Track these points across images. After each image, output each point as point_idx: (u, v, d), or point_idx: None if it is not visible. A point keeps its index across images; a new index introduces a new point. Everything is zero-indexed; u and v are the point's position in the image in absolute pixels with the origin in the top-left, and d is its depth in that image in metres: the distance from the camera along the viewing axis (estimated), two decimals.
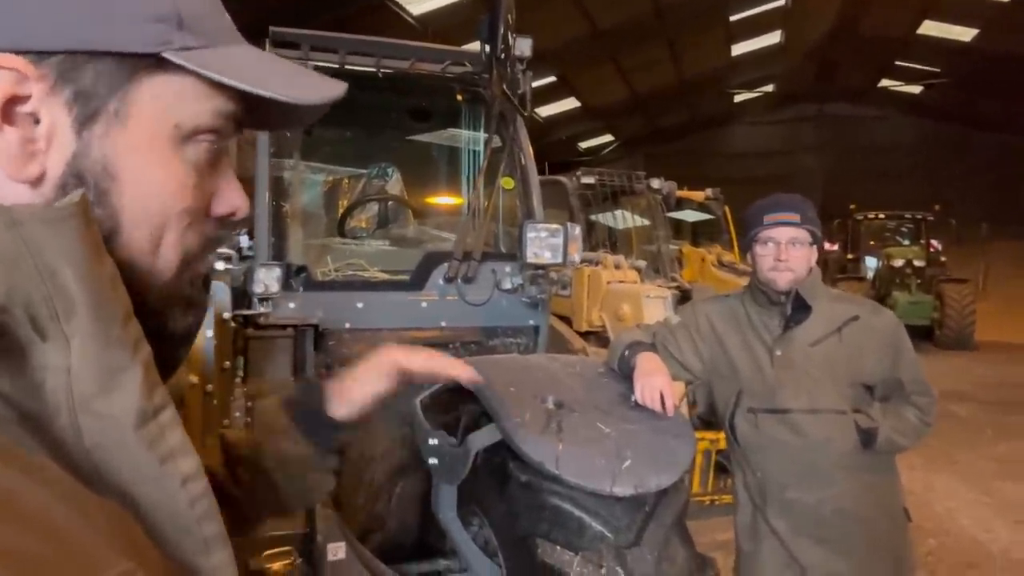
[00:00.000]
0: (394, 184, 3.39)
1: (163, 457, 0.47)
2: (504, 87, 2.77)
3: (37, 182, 0.49)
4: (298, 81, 0.58)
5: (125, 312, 0.47)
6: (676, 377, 2.18)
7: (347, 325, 2.56)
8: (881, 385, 2.11)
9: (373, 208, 3.31)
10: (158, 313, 0.55)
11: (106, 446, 0.45)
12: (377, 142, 3.69)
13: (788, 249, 2.05)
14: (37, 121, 0.48)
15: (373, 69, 2.79)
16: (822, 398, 2.05)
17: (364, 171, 3.44)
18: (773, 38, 18.58)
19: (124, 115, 0.50)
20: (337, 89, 0.58)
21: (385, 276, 2.70)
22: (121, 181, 0.51)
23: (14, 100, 0.47)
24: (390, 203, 3.33)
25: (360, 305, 2.57)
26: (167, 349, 0.57)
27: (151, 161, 0.52)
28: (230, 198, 0.59)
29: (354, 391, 0.93)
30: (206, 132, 0.54)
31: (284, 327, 2.47)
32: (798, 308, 2.08)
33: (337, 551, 2.08)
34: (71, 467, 0.44)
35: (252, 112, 0.57)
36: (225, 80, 0.52)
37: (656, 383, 1.96)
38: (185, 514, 0.48)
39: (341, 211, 3.28)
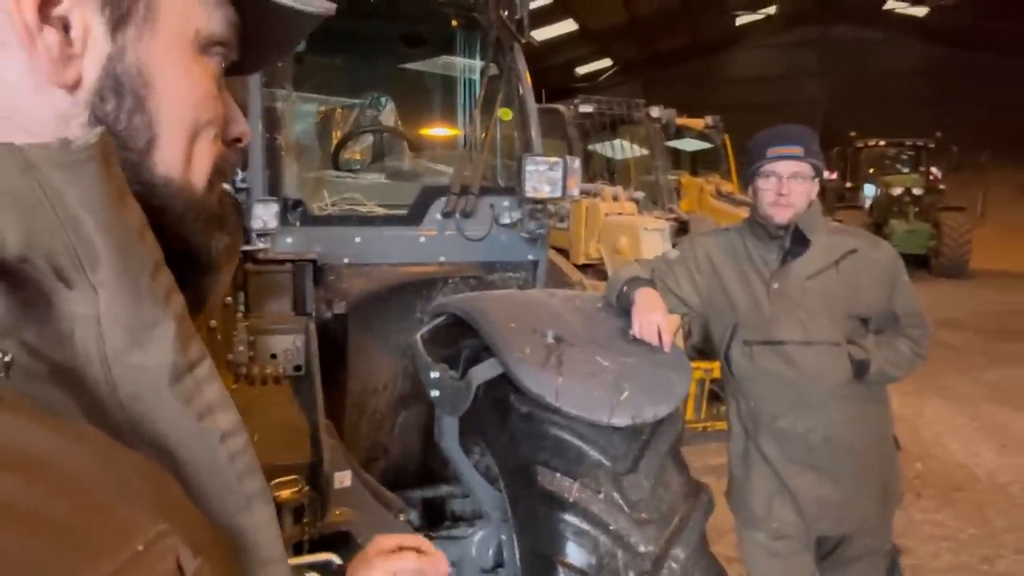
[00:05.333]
0: (388, 114, 3.32)
1: (201, 412, 0.46)
2: (500, 12, 2.69)
3: (74, 87, 0.47)
4: None
5: (155, 263, 0.45)
6: (673, 310, 2.20)
7: (345, 260, 2.55)
8: (876, 318, 2.14)
9: (368, 140, 3.25)
10: (198, 232, 0.54)
11: (142, 399, 0.43)
12: (370, 71, 3.60)
13: (789, 183, 2.04)
14: (68, 26, 0.47)
15: None
16: (816, 330, 2.08)
17: (357, 101, 3.36)
18: None
19: (152, 18, 0.50)
20: (330, 5, 0.58)
21: (382, 211, 2.68)
22: (155, 87, 0.50)
23: (48, 1, 0.45)
24: (385, 135, 3.27)
25: (358, 240, 2.56)
26: (206, 274, 0.57)
27: (180, 67, 0.51)
28: (239, 123, 0.59)
29: None
30: (218, 44, 0.54)
31: (282, 262, 2.46)
32: (797, 242, 2.09)
33: (343, 479, 2.14)
34: (106, 421, 0.42)
35: (246, 33, 0.57)
36: None
37: (654, 319, 1.99)
38: (226, 470, 0.47)
39: (335, 143, 3.22)
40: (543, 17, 16.77)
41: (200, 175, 0.54)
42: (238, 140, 0.59)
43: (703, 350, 4.35)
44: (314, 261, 2.48)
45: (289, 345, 2.34)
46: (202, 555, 0.39)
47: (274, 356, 2.34)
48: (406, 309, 2.67)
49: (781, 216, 2.06)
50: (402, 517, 2.27)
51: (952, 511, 4.09)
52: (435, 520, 2.63)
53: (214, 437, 0.46)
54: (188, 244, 0.54)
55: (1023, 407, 5.92)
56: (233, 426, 0.48)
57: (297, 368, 2.33)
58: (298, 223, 2.49)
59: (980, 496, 4.31)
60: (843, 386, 2.08)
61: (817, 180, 2.10)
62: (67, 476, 0.36)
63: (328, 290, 2.53)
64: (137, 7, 0.49)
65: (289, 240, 2.48)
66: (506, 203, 2.68)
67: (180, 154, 0.52)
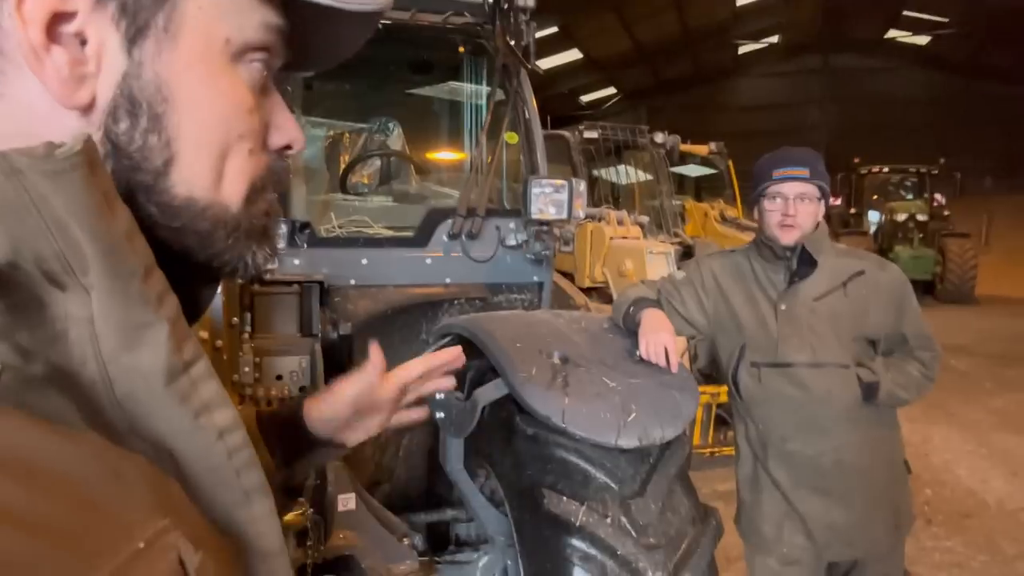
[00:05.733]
0: (396, 139, 3.35)
1: (197, 411, 0.45)
2: (507, 39, 2.72)
3: (87, 109, 0.46)
4: None
5: (145, 266, 0.44)
6: (680, 332, 2.19)
7: (352, 281, 2.56)
8: (884, 340, 2.13)
9: (375, 163, 3.28)
10: (231, 248, 0.52)
11: (138, 398, 0.43)
12: (378, 96, 3.64)
13: (796, 204, 2.04)
14: (84, 42, 0.45)
15: None
16: (825, 352, 2.07)
17: (365, 126, 3.40)
18: None
19: (173, 30, 0.47)
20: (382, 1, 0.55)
21: (389, 233, 2.70)
22: (176, 104, 0.47)
23: (59, 17, 0.43)
24: (392, 158, 3.30)
25: (364, 261, 2.57)
26: (208, 285, 0.56)
27: (205, 80, 0.49)
28: (286, 129, 0.56)
29: (327, 397, 0.90)
30: (256, 50, 0.51)
31: (289, 283, 2.47)
32: (804, 263, 2.08)
33: (347, 502, 2.12)
34: (103, 420, 0.42)
35: (294, 37, 0.54)
36: None
37: (660, 339, 1.98)
38: (223, 466, 0.47)
39: (343, 166, 3.25)
40: (548, 46, 16.98)
41: (234, 191, 0.52)
42: (288, 147, 0.56)
43: (709, 374, 4.33)
44: (321, 282, 2.49)
45: (295, 366, 2.35)
46: (203, 550, 0.39)
47: (279, 377, 2.34)
48: (412, 330, 2.67)
49: (788, 237, 2.06)
50: (406, 541, 2.25)
51: (962, 538, 4.04)
52: (440, 544, 2.60)
53: (211, 434, 0.46)
54: (220, 260, 0.53)
55: None
56: (231, 423, 0.47)
57: (302, 389, 2.33)
58: (305, 245, 2.51)
59: (990, 523, 4.25)
60: (852, 409, 2.06)
61: (823, 202, 2.10)
62: (65, 478, 0.36)
63: (334, 311, 2.54)
64: (156, 19, 0.46)
65: (297, 262, 2.50)
66: (512, 225, 2.69)
67: (206, 171, 0.50)
